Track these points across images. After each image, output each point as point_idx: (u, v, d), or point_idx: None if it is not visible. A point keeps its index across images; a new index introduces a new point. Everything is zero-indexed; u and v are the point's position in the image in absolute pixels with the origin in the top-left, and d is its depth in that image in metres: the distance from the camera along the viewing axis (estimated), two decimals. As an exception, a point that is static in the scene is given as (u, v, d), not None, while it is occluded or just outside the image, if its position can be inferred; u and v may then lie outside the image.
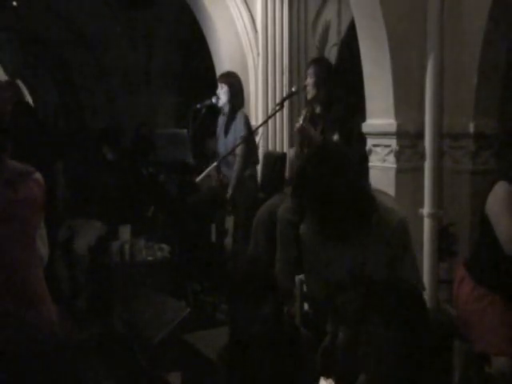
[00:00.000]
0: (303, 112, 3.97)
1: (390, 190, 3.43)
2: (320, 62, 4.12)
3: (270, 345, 2.15)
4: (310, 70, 3.98)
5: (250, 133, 4.51)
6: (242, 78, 4.76)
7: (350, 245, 2.05)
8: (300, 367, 2.18)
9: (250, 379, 2.19)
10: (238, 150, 4.36)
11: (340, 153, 2.03)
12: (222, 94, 4.52)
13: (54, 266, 4.38)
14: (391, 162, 3.43)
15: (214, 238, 4.83)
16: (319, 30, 5.00)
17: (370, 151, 3.58)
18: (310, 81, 3.95)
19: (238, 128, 4.46)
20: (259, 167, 4.71)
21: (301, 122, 3.82)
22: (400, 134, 3.39)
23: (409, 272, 2.05)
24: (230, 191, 4.40)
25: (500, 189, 2.42)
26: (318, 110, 3.96)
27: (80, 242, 4.74)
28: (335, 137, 3.79)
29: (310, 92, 3.96)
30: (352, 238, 2.04)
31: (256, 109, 5.13)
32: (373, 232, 2.01)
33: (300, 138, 3.85)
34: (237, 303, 2.16)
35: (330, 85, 3.95)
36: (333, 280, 2.12)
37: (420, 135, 3.38)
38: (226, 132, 4.57)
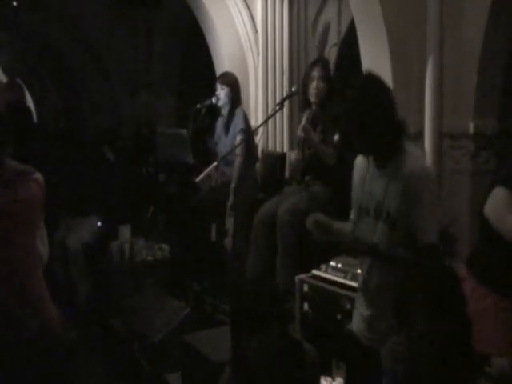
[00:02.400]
0: (305, 115, 3.95)
1: (390, 190, 3.44)
2: (325, 63, 4.09)
3: (276, 366, 2.12)
4: (317, 73, 3.91)
5: (249, 127, 4.52)
6: (242, 77, 4.76)
7: (380, 175, 2.25)
8: (302, 380, 2.17)
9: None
10: (238, 150, 4.36)
11: (383, 88, 2.23)
12: (222, 95, 4.53)
13: (53, 265, 4.38)
14: (391, 162, 3.43)
15: (214, 237, 4.83)
16: (319, 29, 5.00)
17: (370, 151, 3.58)
18: (317, 83, 3.86)
19: (237, 123, 4.47)
20: (259, 167, 4.71)
21: (303, 122, 3.82)
22: (400, 134, 3.39)
23: (417, 223, 2.16)
24: (232, 185, 4.39)
25: (498, 194, 2.42)
26: (318, 111, 3.95)
27: (78, 239, 4.75)
28: (335, 137, 3.78)
29: (316, 95, 3.90)
30: (382, 168, 2.24)
31: (256, 109, 5.13)
32: (395, 171, 2.19)
33: (302, 139, 3.83)
34: (241, 334, 2.12)
35: (333, 86, 3.94)
36: (363, 205, 2.30)
37: (420, 135, 3.38)
38: (226, 132, 4.57)
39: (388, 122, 2.18)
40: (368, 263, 2.33)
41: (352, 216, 2.42)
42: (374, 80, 2.26)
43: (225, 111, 4.59)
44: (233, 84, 4.56)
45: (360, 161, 2.38)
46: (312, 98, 3.92)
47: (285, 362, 2.14)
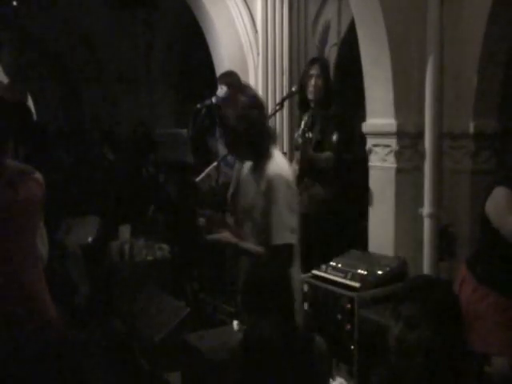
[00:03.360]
0: (304, 118, 3.95)
1: (390, 190, 3.44)
2: (323, 62, 4.10)
3: (283, 348, 2.15)
4: (314, 71, 3.92)
5: None
6: (242, 78, 4.76)
7: (253, 179, 2.47)
8: (312, 372, 2.18)
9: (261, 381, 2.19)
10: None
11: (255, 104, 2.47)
12: (223, 95, 4.52)
13: (53, 265, 4.38)
14: (391, 162, 3.44)
15: (213, 237, 4.82)
16: (319, 29, 5.00)
17: (370, 151, 3.58)
18: (316, 81, 3.90)
19: None
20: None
21: (302, 126, 3.83)
22: (400, 134, 3.39)
23: (272, 223, 2.33)
24: (231, 190, 4.39)
25: (498, 194, 2.42)
26: (317, 110, 3.94)
27: (78, 239, 4.75)
28: (334, 137, 3.78)
29: (314, 93, 3.91)
30: (254, 172, 2.47)
31: (256, 109, 5.12)
32: (262, 174, 2.41)
33: (299, 155, 3.85)
34: (251, 307, 2.19)
35: (330, 85, 3.94)
36: (240, 207, 2.51)
37: (420, 135, 3.38)
38: (227, 132, 4.57)
39: (259, 132, 2.43)
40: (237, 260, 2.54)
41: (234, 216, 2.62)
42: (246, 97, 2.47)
43: (225, 110, 4.59)
44: (232, 83, 4.55)
45: (240, 167, 2.63)
46: (310, 96, 3.93)
47: (292, 341, 2.19)
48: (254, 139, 2.41)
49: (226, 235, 2.45)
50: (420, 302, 1.74)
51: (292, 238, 2.37)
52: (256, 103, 2.47)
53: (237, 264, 2.58)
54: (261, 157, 2.44)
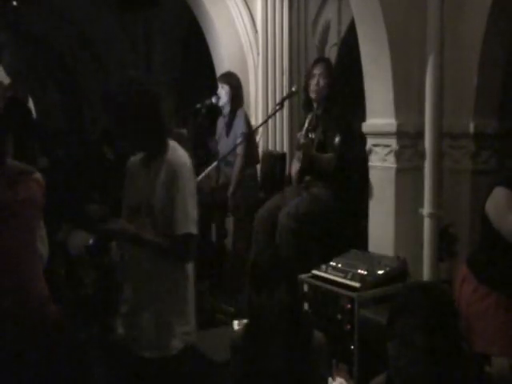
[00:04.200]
0: (308, 117, 3.95)
1: (390, 190, 3.44)
2: (327, 61, 4.10)
3: (284, 336, 2.24)
4: (317, 70, 3.93)
5: (250, 129, 4.51)
6: (242, 77, 4.76)
7: (147, 173, 2.33)
8: (310, 363, 2.22)
9: (261, 369, 2.25)
10: (239, 149, 4.36)
11: (146, 90, 2.32)
12: (223, 95, 4.52)
13: (53, 265, 4.38)
14: (391, 162, 3.44)
15: (214, 238, 4.83)
16: (319, 29, 5.00)
17: (370, 151, 3.58)
18: (320, 80, 3.89)
19: (238, 125, 4.46)
20: (259, 167, 4.71)
21: (306, 125, 3.82)
22: (400, 134, 3.39)
23: (175, 212, 2.23)
24: (231, 190, 4.40)
25: (498, 194, 2.42)
26: (319, 111, 3.95)
27: (78, 239, 4.74)
28: (336, 139, 3.78)
29: (320, 92, 3.91)
30: (149, 165, 2.34)
31: (256, 109, 5.12)
32: (159, 166, 2.29)
33: (301, 154, 3.84)
34: (258, 286, 2.26)
35: (333, 85, 3.94)
36: (132, 204, 2.36)
37: (420, 135, 3.38)
38: (228, 132, 4.57)
39: (153, 121, 2.29)
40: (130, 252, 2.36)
41: (123, 215, 2.43)
42: (135, 83, 2.32)
43: (226, 111, 4.59)
44: (233, 83, 4.56)
45: (130, 161, 2.47)
46: (313, 95, 3.93)
47: (294, 329, 2.27)
48: (145, 127, 2.28)
49: (123, 225, 2.28)
50: (414, 318, 1.71)
51: (195, 229, 2.28)
52: (147, 91, 2.31)
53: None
54: (156, 147, 2.32)
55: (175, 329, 2.27)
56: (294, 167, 4.00)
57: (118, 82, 2.38)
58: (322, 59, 4.16)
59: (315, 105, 3.97)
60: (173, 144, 2.36)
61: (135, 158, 2.44)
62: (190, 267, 2.39)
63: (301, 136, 3.91)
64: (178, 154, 2.33)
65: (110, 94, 2.34)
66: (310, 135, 3.82)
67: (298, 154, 3.96)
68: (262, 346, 2.26)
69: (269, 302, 2.24)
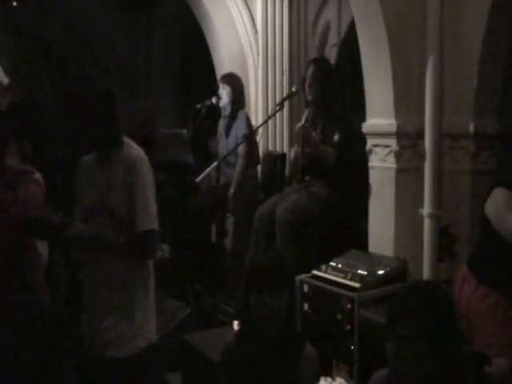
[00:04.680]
0: (305, 113, 3.95)
1: (390, 190, 3.44)
2: (319, 62, 4.09)
3: (276, 347, 2.20)
4: (309, 71, 3.93)
5: (252, 132, 4.51)
6: (242, 78, 4.76)
7: (103, 171, 2.27)
8: (300, 374, 2.20)
9: (251, 375, 2.22)
10: (240, 150, 4.36)
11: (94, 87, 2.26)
12: (224, 95, 4.52)
13: (53, 266, 4.37)
14: (391, 162, 3.44)
15: (214, 237, 4.83)
16: (319, 29, 5.00)
17: (370, 151, 3.58)
18: (310, 82, 3.90)
19: (239, 127, 4.46)
20: (259, 167, 4.71)
21: (302, 122, 3.81)
22: (400, 134, 3.39)
23: (136, 209, 2.19)
24: (231, 190, 4.40)
25: (498, 194, 2.43)
26: (317, 110, 3.94)
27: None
28: (335, 137, 3.78)
29: (311, 94, 3.91)
30: (104, 163, 2.28)
31: (256, 109, 5.13)
32: (116, 163, 2.24)
33: (301, 138, 3.82)
34: (254, 292, 2.22)
35: (329, 85, 3.93)
36: (87, 204, 2.29)
37: (420, 135, 3.38)
38: (228, 133, 4.57)
39: (108, 119, 2.24)
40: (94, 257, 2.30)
41: (76, 216, 2.36)
42: (90, 80, 2.28)
43: (226, 112, 4.58)
44: (235, 85, 4.56)
45: (83, 161, 2.42)
46: (307, 97, 3.94)
47: (286, 339, 2.23)
48: (100, 126, 2.23)
49: (81, 227, 2.21)
50: (414, 317, 1.71)
51: (157, 224, 2.25)
52: (101, 88, 2.26)
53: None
54: (112, 145, 2.27)
55: (139, 327, 2.27)
56: (293, 154, 4.00)
57: (72, 80, 2.36)
58: (314, 60, 4.15)
59: (310, 105, 3.97)
60: (127, 140, 2.32)
61: (88, 158, 2.38)
62: (150, 263, 2.38)
63: (298, 128, 3.88)
64: (134, 150, 2.29)
65: (64, 92, 2.30)
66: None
67: (295, 148, 3.96)
68: (253, 353, 2.23)
69: (265, 310, 2.19)
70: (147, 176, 2.25)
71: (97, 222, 2.23)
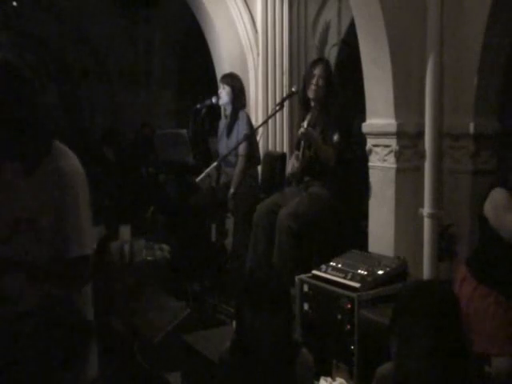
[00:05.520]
0: (307, 117, 3.95)
1: (390, 190, 3.44)
2: (326, 62, 4.11)
3: (272, 356, 2.15)
4: (318, 71, 3.93)
5: (252, 132, 4.51)
6: (242, 78, 4.76)
7: (28, 184, 1.84)
8: (295, 380, 2.18)
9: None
10: (241, 150, 4.36)
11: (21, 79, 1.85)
12: (224, 95, 4.52)
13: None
14: (391, 162, 3.44)
15: (213, 238, 4.83)
16: (319, 29, 5.00)
17: (370, 151, 3.58)
18: (317, 81, 3.89)
19: (240, 127, 4.46)
20: (259, 167, 4.71)
21: (305, 125, 3.81)
22: (400, 134, 3.39)
23: (68, 228, 1.83)
24: (231, 190, 4.40)
25: (497, 194, 2.43)
26: (319, 110, 3.94)
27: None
28: (335, 137, 3.78)
29: (317, 93, 3.91)
30: (29, 175, 1.84)
31: (256, 109, 5.12)
32: (46, 177, 1.83)
33: (304, 140, 3.83)
34: (251, 309, 2.12)
35: (333, 85, 3.94)
36: (8, 219, 1.84)
37: (420, 135, 3.38)
38: (229, 133, 4.56)
39: (29, 116, 1.83)
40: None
41: None
42: (9, 71, 1.83)
43: (227, 112, 4.58)
44: (236, 85, 4.55)
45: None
46: (311, 95, 3.93)
47: (282, 350, 2.15)
48: (20, 126, 1.80)
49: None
50: (418, 316, 1.72)
51: (90, 247, 1.89)
52: (17, 75, 1.82)
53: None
54: (37, 152, 1.83)
55: None
56: (291, 165, 4.00)
57: None
58: (321, 60, 4.16)
59: (313, 104, 3.97)
60: (59, 146, 1.89)
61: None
62: (88, 288, 2.05)
63: (301, 131, 3.88)
64: (67, 158, 1.87)
65: None
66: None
67: (296, 153, 3.96)
68: (248, 361, 2.17)
69: (260, 331, 2.09)
70: (81, 192, 1.86)
71: (18, 240, 1.83)
